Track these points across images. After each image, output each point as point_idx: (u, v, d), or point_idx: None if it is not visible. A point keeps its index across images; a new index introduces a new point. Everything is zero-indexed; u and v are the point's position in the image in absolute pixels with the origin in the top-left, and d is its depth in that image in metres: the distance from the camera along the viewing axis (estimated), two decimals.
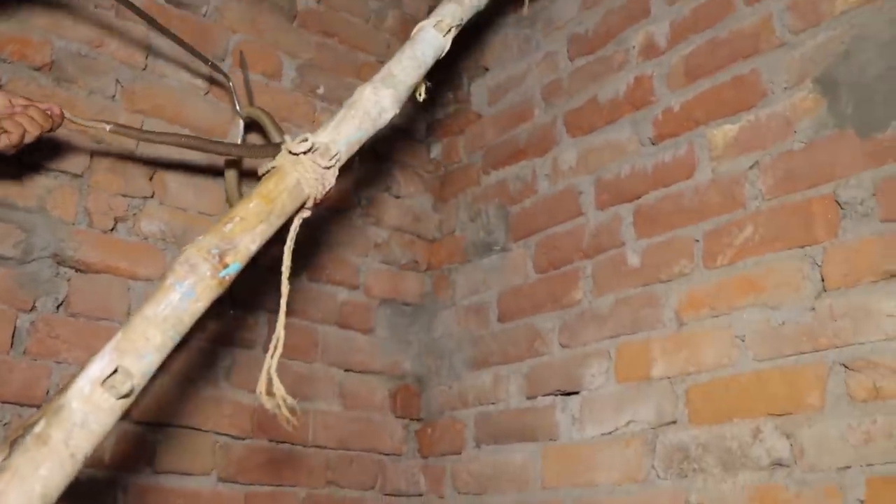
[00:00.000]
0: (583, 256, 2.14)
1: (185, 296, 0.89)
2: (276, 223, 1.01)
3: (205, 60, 1.91)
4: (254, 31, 2.42)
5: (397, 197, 2.63)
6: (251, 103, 2.20)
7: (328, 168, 1.07)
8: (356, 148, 1.15)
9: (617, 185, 2.10)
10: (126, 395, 0.84)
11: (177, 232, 2.14)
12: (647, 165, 2.04)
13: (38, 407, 1.80)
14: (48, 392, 1.91)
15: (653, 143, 2.04)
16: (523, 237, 2.33)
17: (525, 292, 2.28)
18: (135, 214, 2.10)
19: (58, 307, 1.96)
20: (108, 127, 1.72)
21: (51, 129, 1.65)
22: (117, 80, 2.14)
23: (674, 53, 2.04)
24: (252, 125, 2.24)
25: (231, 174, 2.17)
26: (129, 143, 2.11)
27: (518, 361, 2.25)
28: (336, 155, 1.08)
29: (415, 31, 1.40)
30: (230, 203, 2.18)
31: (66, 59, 2.07)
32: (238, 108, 2.15)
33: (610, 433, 1.97)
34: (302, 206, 1.06)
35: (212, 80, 2.29)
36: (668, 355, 1.88)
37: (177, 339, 0.88)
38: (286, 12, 2.51)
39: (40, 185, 1.97)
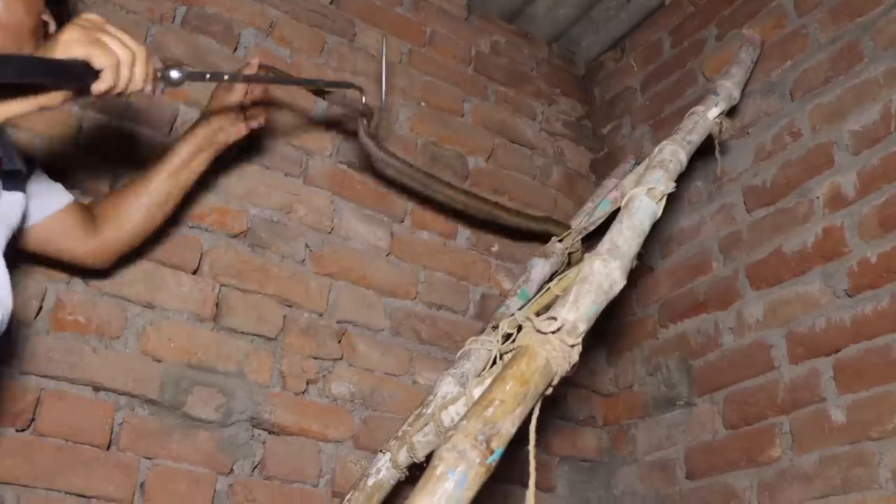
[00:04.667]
0: (778, 412, 2.06)
1: (458, 484, 0.89)
2: (531, 404, 1.01)
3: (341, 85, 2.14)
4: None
5: None
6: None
7: (573, 346, 1.08)
8: (593, 322, 1.15)
9: (812, 339, 2.04)
10: None
11: (365, 393, 2.18)
12: (844, 318, 1.97)
13: None
14: None
15: (849, 296, 1.98)
16: (709, 392, 2.27)
17: (715, 449, 2.20)
18: (325, 376, 2.14)
19: (253, 469, 1.99)
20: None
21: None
22: (306, 245, 2.23)
23: (864, 203, 2.00)
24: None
25: None
26: (319, 306, 2.18)
27: None
28: (582, 332, 1.09)
29: (626, 199, 1.42)
30: None
31: (260, 226, 2.18)
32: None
33: None
34: (549, 385, 1.06)
35: (392, 237, 2.38)
36: None
37: None
38: (459, 173, 2.59)
39: (239, 350, 2.05)
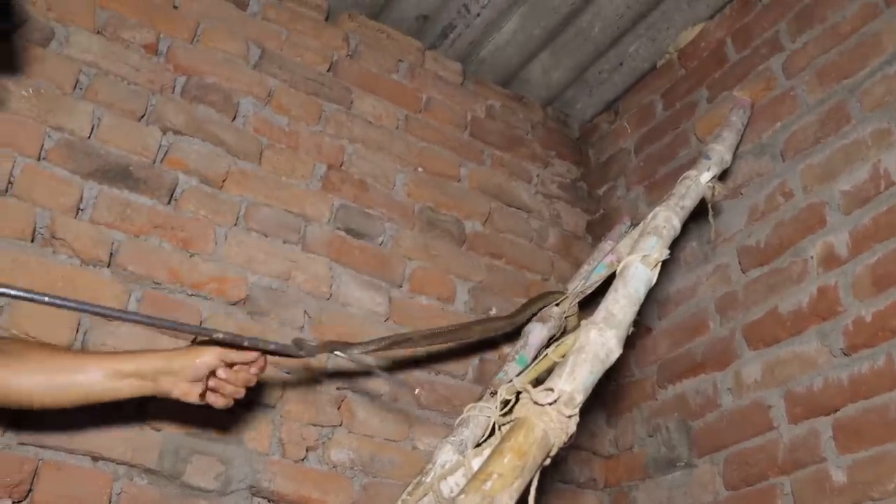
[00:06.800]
0: (779, 473, 2.06)
1: None
2: (529, 477, 1.02)
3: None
4: (427, 258, 2.52)
5: None
6: None
7: (570, 417, 1.08)
8: (590, 391, 1.16)
9: (810, 399, 2.04)
10: None
11: (364, 460, 2.17)
12: (842, 377, 1.98)
13: None
14: None
15: (845, 355, 1.98)
16: (709, 453, 2.26)
17: None
18: (324, 443, 2.14)
19: None
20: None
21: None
22: (305, 312, 2.24)
23: (857, 263, 2.02)
24: None
25: None
26: (318, 372, 2.19)
27: None
28: (579, 403, 1.10)
29: (621, 267, 1.44)
30: None
31: (259, 294, 2.19)
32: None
33: None
34: (547, 456, 1.07)
35: (390, 302, 2.38)
36: None
37: None
38: (456, 237, 2.62)
39: (238, 418, 2.04)
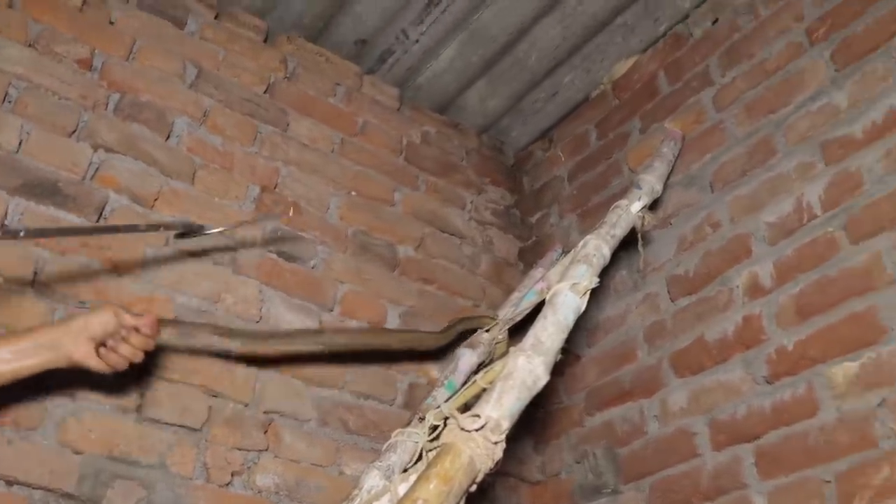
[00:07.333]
0: (703, 499, 2.08)
1: None
2: (455, 502, 1.02)
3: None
4: (359, 281, 2.51)
5: None
6: None
7: (496, 443, 1.09)
8: (517, 418, 1.17)
9: (734, 426, 2.07)
10: None
11: (290, 484, 2.14)
12: (764, 405, 2.02)
13: None
14: None
15: (768, 383, 2.03)
16: (635, 479, 2.28)
17: None
18: (250, 468, 2.11)
19: None
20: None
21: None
22: None
23: (781, 292, 2.07)
24: None
25: None
26: (245, 396, 2.16)
27: None
28: (506, 429, 1.11)
29: (550, 294, 1.45)
30: None
31: (187, 315, 2.16)
32: None
33: None
34: (473, 482, 1.07)
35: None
36: None
37: None
38: (388, 262, 2.62)
39: (162, 441, 2.01)
